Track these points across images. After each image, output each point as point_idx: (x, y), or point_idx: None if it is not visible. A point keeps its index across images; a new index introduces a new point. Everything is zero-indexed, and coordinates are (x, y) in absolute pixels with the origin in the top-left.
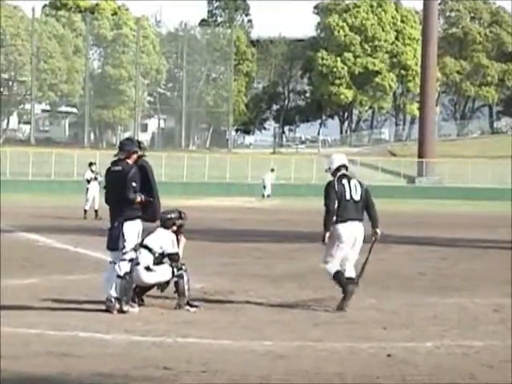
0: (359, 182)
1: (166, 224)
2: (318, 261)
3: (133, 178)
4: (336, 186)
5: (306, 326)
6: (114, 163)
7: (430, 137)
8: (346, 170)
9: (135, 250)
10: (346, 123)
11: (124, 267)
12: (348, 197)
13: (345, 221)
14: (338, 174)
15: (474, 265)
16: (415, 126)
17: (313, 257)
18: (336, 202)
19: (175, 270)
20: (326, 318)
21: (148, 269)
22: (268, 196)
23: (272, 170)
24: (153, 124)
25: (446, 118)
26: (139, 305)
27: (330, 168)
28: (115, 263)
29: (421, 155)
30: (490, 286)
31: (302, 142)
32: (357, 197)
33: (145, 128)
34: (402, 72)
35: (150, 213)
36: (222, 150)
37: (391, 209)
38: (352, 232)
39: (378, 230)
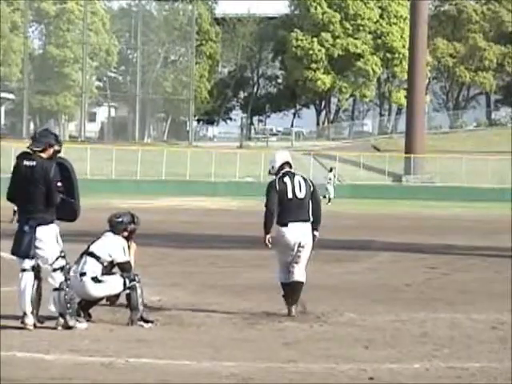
0: (303, 178)
1: (116, 229)
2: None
3: (56, 177)
4: (277, 185)
5: (276, 345)
6: (24, 156)
7: (419, 129)
8: (290, 167)
9: (62, 256)
10: (324, 113)
11: (58, 277)
12: (290, 195)
13: (286, 224)
14: (281, 172)
15: (469, 275)
16: (402, 117)
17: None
18: (277, 202)
19: (127, 280)
20: (299, 335)
21: (96, 280)
22: (329, 199)
23: (331, 170)
24: (102, 113)
25: (437, 107)
26: (86, 320)
27: (273, 167)
28: (25, 270)
29: (408, 150)
30: (486, 300)
31: (274, 135)
32: (301, 194)
33: (93, 117)
34: (388, 55)
35: (69, 212)
36: (182, 143)
37: (375, 211)
38: (296, 235)
39: (316, 233)
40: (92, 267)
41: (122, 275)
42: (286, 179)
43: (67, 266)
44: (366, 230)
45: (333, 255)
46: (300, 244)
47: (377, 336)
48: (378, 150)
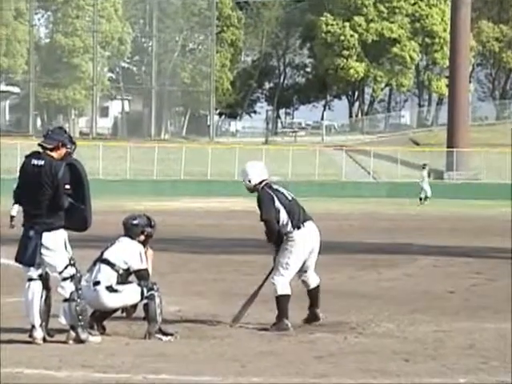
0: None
1: (132, 232)
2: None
3: (65, 179)
4: (271, 192)
5: (308, 358)
6: (33, 155)
7: (462, 121)
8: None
9: (72, 264)
10: (357, 105)
11: (68, 287)
12: (289, 196)
13: (298, 227)
14: (264, 183)
15: None
16: (443, 108)
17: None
18: (280, 208)
19: (145, 290)
20: (332, 347)
21: (111, 289)
22: (426, 198)
23: (424, 167)
24: (115, 107)
25: (482, 97)
26: (100, 333)
27: (249, 181)
28: (32, 279)
29: (450, 144)
30: None
31: (302, 129)
32: (292, 195)
33: (105, 112)
34: (427, 40)
35: (78, 220)
36: (203, 139)
37: (414, 211)
38: (314, 233)
39: None
40: (106, 275)
41: (139, 284)
42: (274, 186)
43: (78, 275)
44: (404, 232)
45: (368, 260)
46: (314, 242)
47: (417, 348)
48: (417, 144)
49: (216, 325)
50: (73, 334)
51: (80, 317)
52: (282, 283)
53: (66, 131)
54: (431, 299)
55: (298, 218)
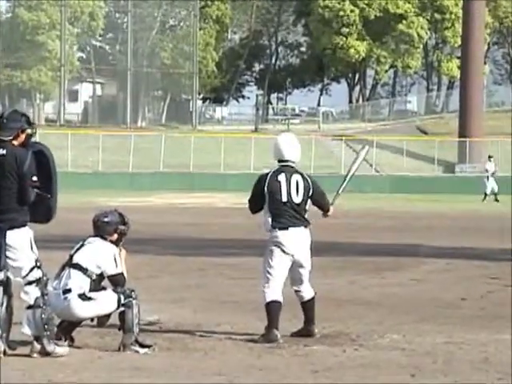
0: (302, 177)
1: (103, 231)
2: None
3: (31, 169)
4: (267, 183)
5: (303, 373)
6: None
7: (476, 107)
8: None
9: (38, 266)
10: (358, 89)
11: (33, 292)
12: (285, 198)
13: (281, 228)
14: (279, 164)
15: None
16: (455, 93)
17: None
18: (262, 202)
19: (122, 297)
20: (330, 361)
21: (84, 297)
22: (495, 195)
23: (489, 158)
24: (86, 91)
25: (499, 80)
26: (68, 346)
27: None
28: None
29: (463, 133)
30: None
31: (296, 116)
32: (297, 199)
33: (74, 96)
34: (436, 16)
35: (42, 210)
36: (184, 127)
37: (422, 208)
38: (292, 245)
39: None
40: (78, 282)
41: (115, 290)
42: (281, 177)
43: (44, 278)
44: (410, 231)
45: (370, 263)
46: (296, 257)
47: (426, 362)
48: (425, 133)
49: (199, 336)
50: (38, 346)
51: (46, 326)
52: (271, 289)
53: (21, 114)
54: (441, 307)
55: (285, 220)
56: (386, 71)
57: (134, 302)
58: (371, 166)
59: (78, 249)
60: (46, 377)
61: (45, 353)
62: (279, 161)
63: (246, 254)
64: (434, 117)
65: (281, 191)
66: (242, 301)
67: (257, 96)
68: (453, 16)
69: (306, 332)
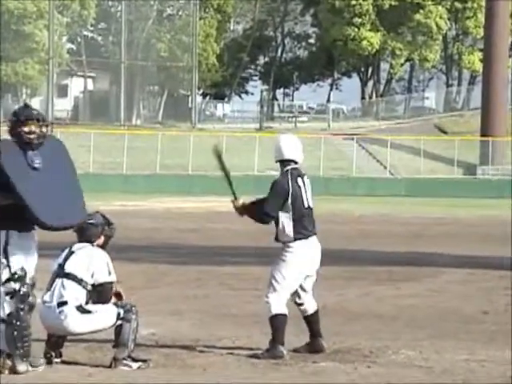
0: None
1: (90, 234)
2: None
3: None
4: (291, 187)
5: None
6: None
7: (500, 104)
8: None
9: (15, 277)
10: (371, 84)
11: (6, 306)
12: (306, 203)
13: (301, 238)
14: (289, 167)
15: None
16: (477, 88)
17: (317, 286)
18: (285, 209)
19: (121, 311)
20: (340, 379)
21: (82, 310)
22: None
23: None
24: (76, 85)
25: None
26: (51, 362)
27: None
28: None
29: (485, 132)
30: None
31: (304, 113)
32: (312, 202)
33: (64, 91)
34: (457, 4)
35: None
36: (183, 125)
37: (440, 213)
38: (313, 251)
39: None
40: (74, 293)
41: (115, 303)
42: (300, 181)
43: (22, 291)
44: (428, 238)
45: (384, 273)
46: (310, 268)
47: (445, 380)
48: (445, 132)
49: (198, 351)
50: (8, 362)
51: (19, 344)
52: (277, 301)
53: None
54: (461, 321)
55: (306, 229)
56: (402, 65)
57: (133, 317)
58: (385, 167)
59: (67, 257)
60: None
61: (14, 371)
62: (285, 162)
63: (249, 263)
64: (453, 114)
65: (302, 196)
66: (244, 313)
67: (261, 92)
68: (475, 5)
69: (314, 347)
